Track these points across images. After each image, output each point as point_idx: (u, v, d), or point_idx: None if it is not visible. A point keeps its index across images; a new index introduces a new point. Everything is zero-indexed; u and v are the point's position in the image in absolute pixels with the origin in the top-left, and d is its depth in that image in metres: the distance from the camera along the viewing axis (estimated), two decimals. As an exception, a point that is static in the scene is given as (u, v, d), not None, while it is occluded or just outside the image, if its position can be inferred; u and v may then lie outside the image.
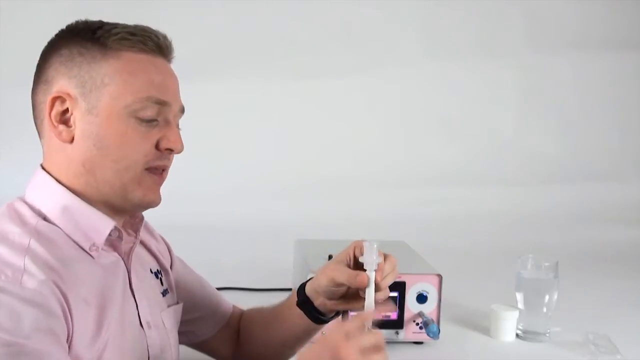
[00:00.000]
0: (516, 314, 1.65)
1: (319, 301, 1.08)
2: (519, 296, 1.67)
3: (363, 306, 0.97)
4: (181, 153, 0.94)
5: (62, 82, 0.89)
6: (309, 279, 1.10)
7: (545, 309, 1.65)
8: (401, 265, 1.60)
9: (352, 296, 1.04)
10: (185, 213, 2.54)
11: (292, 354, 1.20)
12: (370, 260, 0.98)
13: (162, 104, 0.91)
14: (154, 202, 0.94)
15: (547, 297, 1.64)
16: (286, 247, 1.80)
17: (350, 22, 3.24)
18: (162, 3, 3.00)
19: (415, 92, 3.31)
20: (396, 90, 3.29)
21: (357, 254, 1.02)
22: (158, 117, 0.91)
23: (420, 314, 1.55)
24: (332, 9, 3.21)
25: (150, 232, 1.13)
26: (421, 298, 1.55)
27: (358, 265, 1.01)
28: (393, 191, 3.07)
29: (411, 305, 1.55)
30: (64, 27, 0.93)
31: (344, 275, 1.01)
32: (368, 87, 3.26)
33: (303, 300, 1.09)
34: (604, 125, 3.42)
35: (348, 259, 1.03)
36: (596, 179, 3.28)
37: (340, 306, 1.06)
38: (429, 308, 1.55)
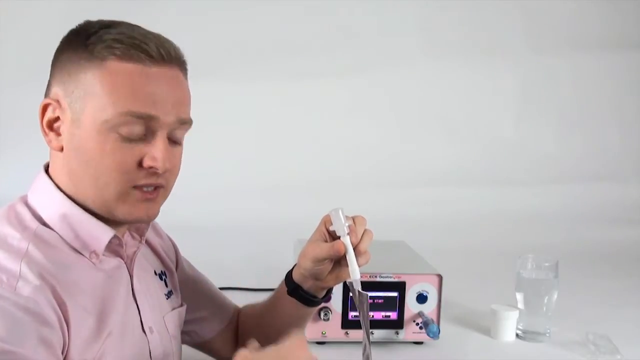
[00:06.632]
0: (516, 314, 1.65)
1: (308, 285, 1.08)
2: (519, 296, 1.67)
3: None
4: (169, 171, 0.87)
5: (56, 88, 0.86)
6: (293, 267, 1.11)
7: (545, 309, 1.65)
8: (401, 265, 1.62)
9: (339, 269, 1.05)
10: (184, 213, 2.54)
11: None
12: (339, 225, 1.00)
13: (145, 118, 0.84)
14: (143, 219, 0.89)
15: (547, 297, 1.64)
16: (286, 247, 1.80)
17: (349, 22, 3.24)
18: (162, 3, 3.00)
19: (415, 92, 3.31)
20: (396, 90, 3.30)
21: (329, 227, 1.03)
22: (142, 132, 0.85)
23: (420, 314, 1.55)
24: (330, 9, 3.21)
25: (157, 231, 1.12)
26: (421, 298, 1.55)
27: (334, 238, 1.02)
28: (393, 191, 3.07)
29: (411, 305, 1.55)
30: (74, 26, 0.89)
31: (323, 250, 1.02)
32: (368, 87, 3.26)
33: (293, 288, 1.09)
34: (604, 125, 3.42)
35: (323, 236, 1.04)
36: (596, 179, 3.28)
37: (331, 282, 1.06)
38: (429, 308, 1.55)
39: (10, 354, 0.73)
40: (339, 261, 1.03)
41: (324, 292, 1.11)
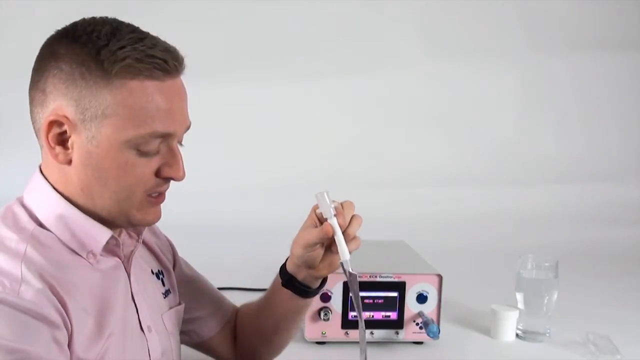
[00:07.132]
0: (516, 314, 1.65)
1: (302, 275, 1.08)
2: (519, 296, 1.67)
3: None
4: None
5: (60, 101, 0.83)
6: (287, 260, 1.11)
7: (545, 309, 1.65)
8: (401, 265, 1.62)
9: (331, 256, 1.05)
10: (184, 212, 2.54)
11: (284, 340, 1.21)
12: (325, 207, 1.00)
13: (165, 136, 0.87)
14: (152, 222, 0.94)
15: (547, 297, 1.64)
16: (286, 247, 1.80)
17: (349, 22, 3.24)
18: (161, 3, 3.00)
19: (415, 92, 3.31)
20: (396, 91, 3.29)
21: (317, 213, 1.03)
22: (160, 147, 0.88)
23: (420, 314, 1.55)
24: (330, 9, 3.21)
25: (153, 230, 1.13)
26: (421, 298, 1.55)
27: (323, 224, 1.02)
28: (393, 191, 3.07)
29: (411, 305, 1.55)
30: (65, 25, 0.87)
31: (313, 235, 1.02)
32: (368, 87, 3.26)
33: (288, 279, 1.10)
34: (604, 126, 3.41)
35: (313, 222, 1.04)
36: (596, 179, 3.28)
37: (324, 271, 1.06)
38: (429, 308, 1.55)
39: (22, 352, 0.75)
40: (331, 248, 1.03)
41: (318, 283, 1.11)
